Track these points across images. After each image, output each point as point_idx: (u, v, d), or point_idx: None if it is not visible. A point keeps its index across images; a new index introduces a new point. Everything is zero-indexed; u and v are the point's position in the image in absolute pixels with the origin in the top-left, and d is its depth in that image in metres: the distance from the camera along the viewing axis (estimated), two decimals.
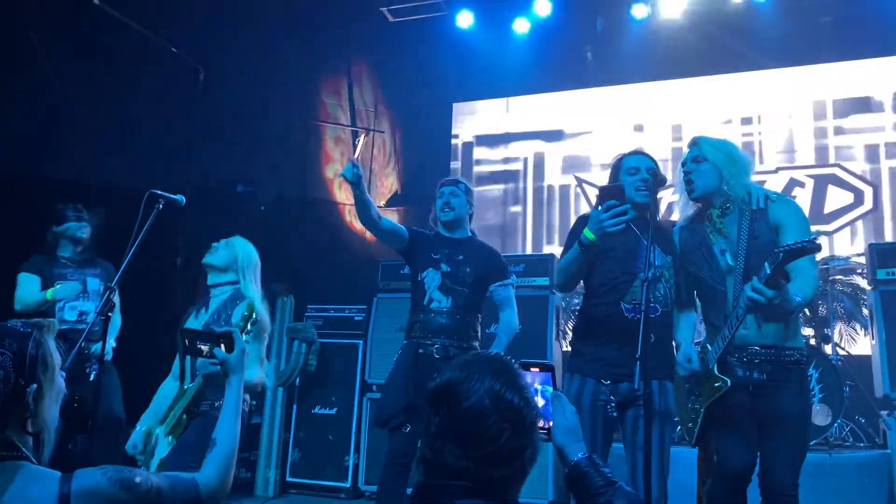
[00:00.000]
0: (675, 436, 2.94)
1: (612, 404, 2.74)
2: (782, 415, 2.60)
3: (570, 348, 3.15)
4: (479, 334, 3.50)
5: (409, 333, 3.45)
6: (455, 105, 7.86)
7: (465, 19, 7.35)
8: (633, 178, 2.83)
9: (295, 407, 5.53)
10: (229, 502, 3.36)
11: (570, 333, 3.72)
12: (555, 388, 1.62)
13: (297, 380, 5.47)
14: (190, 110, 6.63)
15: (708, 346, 2.72)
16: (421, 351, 3.32)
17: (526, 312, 5.05)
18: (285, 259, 6.56)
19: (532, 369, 1.61)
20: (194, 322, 3.16)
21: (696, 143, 2.86)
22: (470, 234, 3.64)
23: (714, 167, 2.74)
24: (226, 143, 6.65)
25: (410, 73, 7.27)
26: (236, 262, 3.20)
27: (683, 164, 2.86)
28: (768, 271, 2.33)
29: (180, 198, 3.17)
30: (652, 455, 2.60)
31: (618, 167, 2.93)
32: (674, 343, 2.87)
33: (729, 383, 2.58)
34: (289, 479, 5.42)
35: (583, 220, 2.82)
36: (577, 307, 3.35)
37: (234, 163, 6.63)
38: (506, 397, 1.30)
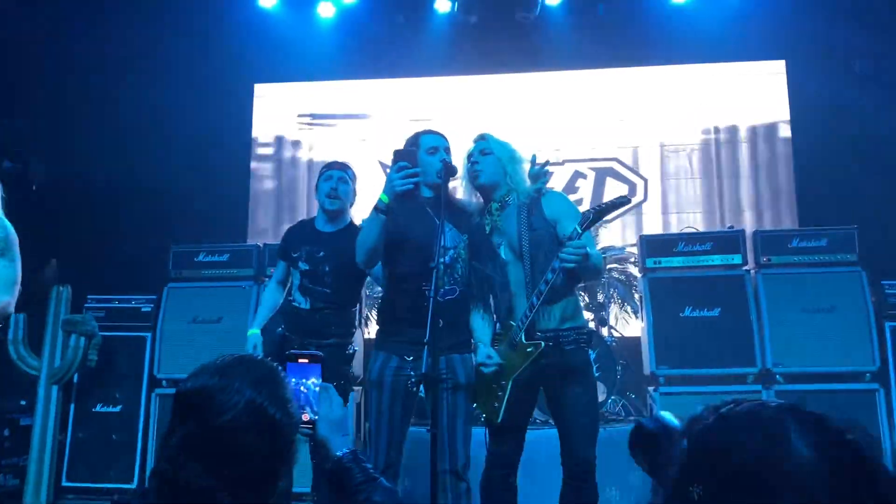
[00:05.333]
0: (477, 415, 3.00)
1: (413, 380, 2.80)
2: (570, 394, 2.75)
3: (373, 334, 3.19)
4: (354, 323, 3.51)
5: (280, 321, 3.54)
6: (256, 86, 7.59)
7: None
8: (432, 157, 2.91)
9: (73, 406, 5.10)
10: None
11: (374, 319, 3.75)
12: (323, 380, 1.56)
13: (75, 376, 5.04)
14: None
15: (511, 322, 2.80)
16: (285, 343, 3.34)
17: None
18: (61, 245, 5.98)
19: (300, 360, 1.56)
20: None
21: (483, 137, 3.03)
22: (348, 223, 3.51)
23: (499, 161, 2.90)
24: None
25: (208, 52, 6.88)
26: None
27: (470, 156, 2.99)
28: (580, 230, 2.55)
29: None
30: (457, 423, 2.78)
31: (415, 144, 2.98)
32: (473, 342, 2.93)
33: (543, 345, 2.66)
34: (65, 483, 4.99)
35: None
36: (380, 294, 3.38)
37: None
38: (267, 412, 1.20)
